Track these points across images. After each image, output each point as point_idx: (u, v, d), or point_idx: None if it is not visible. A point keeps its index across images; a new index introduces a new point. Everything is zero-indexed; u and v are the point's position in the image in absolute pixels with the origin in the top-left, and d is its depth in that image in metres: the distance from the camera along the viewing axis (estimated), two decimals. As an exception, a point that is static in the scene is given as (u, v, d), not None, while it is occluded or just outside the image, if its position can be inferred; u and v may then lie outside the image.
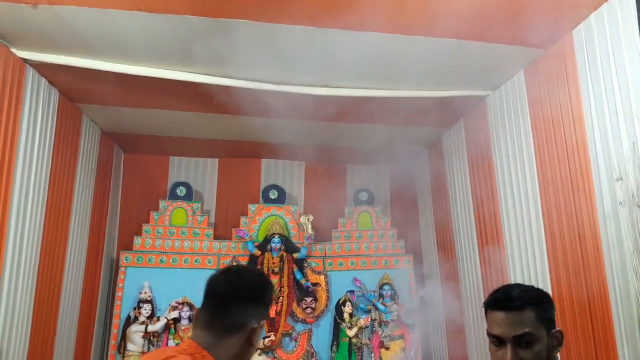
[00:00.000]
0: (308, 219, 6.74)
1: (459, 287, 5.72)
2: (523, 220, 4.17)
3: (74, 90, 4.88)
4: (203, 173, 7.19)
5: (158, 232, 6.50)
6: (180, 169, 7.13)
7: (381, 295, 6.50)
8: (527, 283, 1.83)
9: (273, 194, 6.96)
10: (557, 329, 1.58)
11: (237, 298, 1.57)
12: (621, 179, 3.06)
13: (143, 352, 5.84)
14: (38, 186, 4.43)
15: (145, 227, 6.52)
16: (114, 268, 6.49)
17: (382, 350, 6.21)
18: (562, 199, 3.62)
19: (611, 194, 3.12)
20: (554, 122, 3.76)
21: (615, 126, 3.11)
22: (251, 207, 6.85)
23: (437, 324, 6.42)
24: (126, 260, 6.31)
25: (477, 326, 5.16)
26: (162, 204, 6.66)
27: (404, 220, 7.04)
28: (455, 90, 4.73)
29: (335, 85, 4.60)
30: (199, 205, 6.81)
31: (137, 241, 6.43)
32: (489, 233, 4.84)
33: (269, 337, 6.13)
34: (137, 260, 6.33)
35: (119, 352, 5.88)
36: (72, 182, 5.22)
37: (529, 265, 4.00)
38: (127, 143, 6.70)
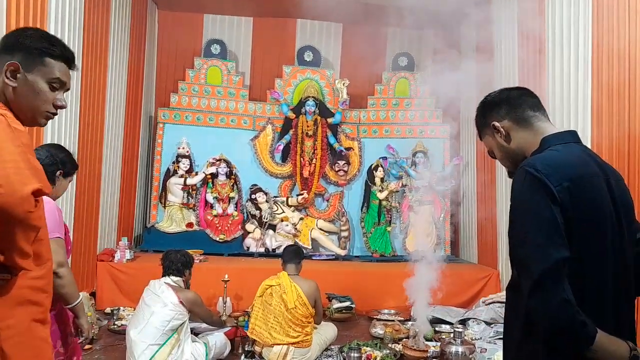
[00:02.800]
0: (343, 84, 6.61)
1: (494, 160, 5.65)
2: (570, 64, 3.92)
3: None
4: (238, 32, 6.98)
5: (194, 90, 6.56)
6: (215, 27, 6.94)
7: (414, 163, 6.53)
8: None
9: (308, 56, 6.78)
10: None
11: None
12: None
13: (183, 203, 6.22)
14: (72, 38, 4.33)
15: (181, 84, 6.56)
16: (153, 124, 6.68)
17: (411, 213, 6.38)
18: (616, 35, 3.35)
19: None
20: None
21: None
22: (286, 70, 6.73)
23: (469, 193, 6.48)
24: (164, 116, 6.47)
25: (507, 184, 5.15)
26: (197, 61, 6.61)
27: (445, 89, 6.80)
28: None
29: None
30: (234, 64, 6.72)
31: (174, 99, 6.52)
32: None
33: (302, 194, 6.37)
34: (175, 117, 6.48)
35: (161, 202, 6.27)
36: (107, 36, 5.12)
37: (569, 116, 3.85)
38: (160, -3, 6.53)
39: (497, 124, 1.45)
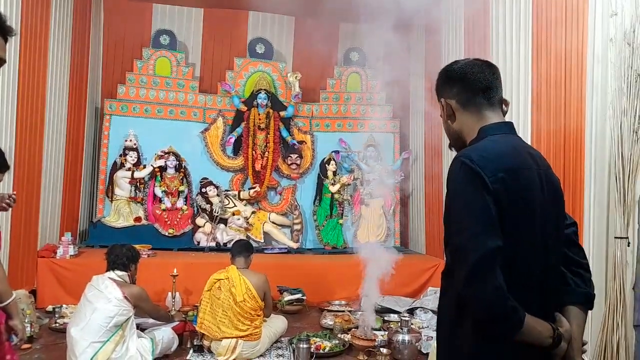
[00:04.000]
0: (296, 77, 6.58)
1: (441, 151, 5.78)
2: (512, 59, 4.07)
3: None
4: (188, 23, 6.81)
5: (142, 82, 6.35)
6: (164, 17, 6.73)
7: (365, 157, 6.61)
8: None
9: (260, 48, 6.70)
10: None
11: None
12: (616, 14, 2.94)
13: (130, 197, 6.04)
14: (9, 22, 4.12)
15: (129, 75, 6.34)
16: (100, 116, 6.43)
17: (362, 206, 6.47)
18: (554, 34, 3.51)
19: (603, 30, 3.02)
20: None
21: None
22: (237, 61, 6.63)
23: (417, 186, 6.63)
24: (110, 108, 6.24)
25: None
26: (145, 52, 6.40)
27: (394, 84, 6.91)
28: None
29: None
30: (183, 55, 6.56)
31: (122, 90, 6.29)
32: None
33: (255, 188, 6.32)
34: (122, 109, 6.26)
35: (108, 196, 6.06)
36: (47, 23, 4.86)
37: (511, 108, 3.98)
38: (105, -16, 6.28)
39: (445, 101, 1.46)
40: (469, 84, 1.42)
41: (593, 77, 3.10)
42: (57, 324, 4.10)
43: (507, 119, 1.47)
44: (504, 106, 1.46)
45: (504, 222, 1.23)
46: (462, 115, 1.43)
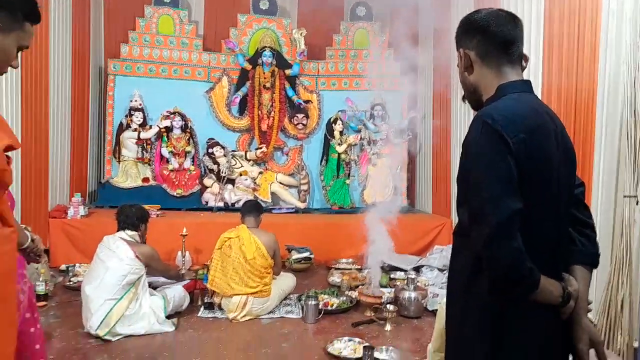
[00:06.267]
0: (301, 34, 6.45)
1: (450, 110, 5.71)
2: (524, 13, 3.95)
3: None
4: (190, -21, 6.69)
5: (145, 40, 6.25)
6: (165, -28, 6.60)
7: (372, 116, 6.55)
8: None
9: (264, 4, 6.53)
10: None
11: None
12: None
13: (138, 158, 6.06)
14: None
15: (131, 34, 6.23)
16: (104, 77, 6.37)
17: (369, 166, 6.46)
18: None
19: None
20: None
21: None
22: (241, 18, 6.49)
23: (425, 145, 6.59)
24: (114, 68, 6.17)
25: (461, 136, 5.25)
26: (147, 9, 6.26)
27: (403, 39, 6.75)
28: None
29: None
30: (186, 13, 6.42)
31: (124, 49, 6.20)
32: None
33: (261, 148, 6.32)
34: (126, 68, 6.19)
35: (115, 157, 6.08)
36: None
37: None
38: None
39: (463, 51, 1.42)
40: (491, 36, 1.38)
41: (607, 32, 3.01)
42: (71, 282, 4.22)
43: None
44: (523, 62, 1.42)
45: (523, 183, 1.23)
46: (481, 68, 1.40)
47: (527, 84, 1.41)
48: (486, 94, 1.40)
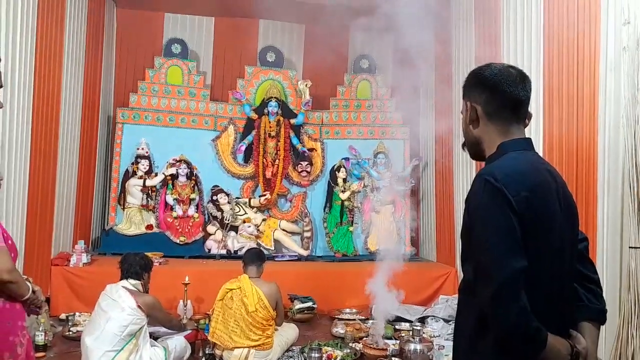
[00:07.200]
0: (306, 85, 6.62)
1: (452, 157, 5.76)
2: (523, 66, 4.04)
3: None
4: (199, 32, 6.89)
5: (154, 90, 6.42)
6: (176, 26, 6.82)
7: (375, 164, 6.62)
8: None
9: (270, 57, 6.75)
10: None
11: None
12: (629, 22, 2.92)
13: (142, 205, 6.09)
14: (25, 36, 4.14)
15: (140, 84, 6.42)
16: (112, 125, 6.50)
17: (373, 213, 6.47)
18: (566, 44, 3.50)
19: (616, 39, 3.00)
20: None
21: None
22: (248, 70, 6.68)
23: (428, 193, 6.61)
24: (123, 116, 6.31)
25: (464, 183, 5.26)
26: (157, 61, 6.48)
27: (404, 91, 6.91)
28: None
29: None
30: (195, 64, 6.63)
31: (133, 98, 6.37)
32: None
33: (265, 195, 6.35)
34: (134, 117, 6.34)
35: (120, 204, 6.12)
36: (62, 35, 4.93)
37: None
38: (119, -5, 6.38)
39: (470, 104, 1.42)
40: (500, 95, 1.38)
41: (606, 86, 3.08)
42: (71, 332, 4.14)
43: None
44: (526, 120, 1.44)
45: (527, 241, 1.23)
46: (486, 125, 1.41)
47: (529, 142, 1.43)
48: (489, 150, 1.42)
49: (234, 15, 6.80)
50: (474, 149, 1.47)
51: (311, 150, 6.64)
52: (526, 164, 1.34)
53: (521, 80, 1.40)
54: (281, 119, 6.51)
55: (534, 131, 3.79)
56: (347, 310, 5.05)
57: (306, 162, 6.53)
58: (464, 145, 1.52)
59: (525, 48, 4.08)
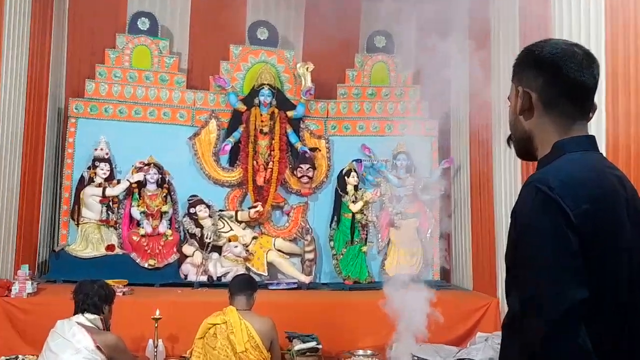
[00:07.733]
0: (307, 69, 6.65)
1: (491, 159, 5.76)
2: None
3: None
4: (172, 4, 6.98)
5: (116, 76, 6.48)
6: (143, -4, 6.94)
7: (395, 166, 6.63)
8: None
9: (262, 34, 6.79)
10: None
11: None
12: None
13: (101, 220, 6.11)
14: None
15: (99, 68, 6.47)
16: (63, 119, 6.56)
17: (392, 229, 6.47)
18: (634, 20, 3.52)
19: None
20: None
21: None
22: (234, 50, 6.73)
23: (461, 203, 6.61)
24: (77, 109, 6.35)
25: (507, 192, 5.26)
26: (119, 39, 6.55)
27: (431, 76, 6.93)
28: None
29: None
30: (167, 43, 6.70)
31: (90, 86, 6.42)
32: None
33: (256, 207, 6.36)
34: (91, 110, 6.37)
35: (73, 219, 6.15)
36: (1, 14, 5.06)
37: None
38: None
39: (523, 90, 1.42)
40: (561, 81, 1.38)
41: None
42: (12, 381, 4.16)
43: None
44: (591, 113, 1.44)
45: (587, 265, 1.22)
46: (542, 116, 1.41)
47: (592, 141, 1.43)
48: (542, 149, 1.42)
49: (217, -17, 6.86)
50: (523, 145, 1.48)
51: (314, 150, 6.67)
52: (588, 168, 1.34)
53: (588, 63, 1.39)
54: (276, 111, 6.55)
55: (594, 128, 3.79)
56: (361, 352, 5.04)
57: (307, 165, 6.54)
58: (509, 139, 1.52)
59: (583, 23, 4.08)
